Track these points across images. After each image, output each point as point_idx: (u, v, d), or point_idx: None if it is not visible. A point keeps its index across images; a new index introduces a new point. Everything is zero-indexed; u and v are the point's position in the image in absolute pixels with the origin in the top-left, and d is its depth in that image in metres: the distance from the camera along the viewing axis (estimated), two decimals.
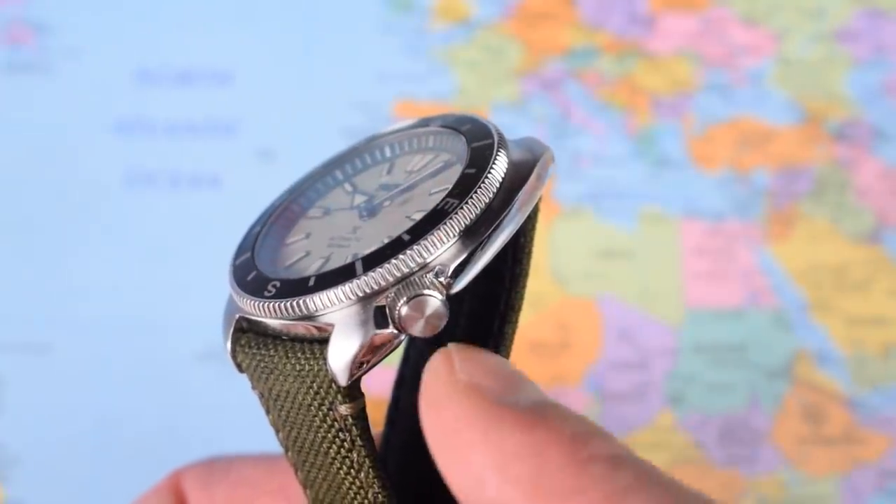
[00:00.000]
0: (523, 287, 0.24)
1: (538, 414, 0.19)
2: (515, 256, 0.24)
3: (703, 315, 0.45)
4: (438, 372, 0.20)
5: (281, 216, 0.26)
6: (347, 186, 0.26)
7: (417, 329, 0.20)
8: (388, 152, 0.26)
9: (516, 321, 0.25)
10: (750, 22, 0.49)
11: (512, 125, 0.47)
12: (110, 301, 0.45)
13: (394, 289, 0.20)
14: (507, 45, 0.48)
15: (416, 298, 0.20)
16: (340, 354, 0.20)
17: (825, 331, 0.44)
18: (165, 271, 0.46)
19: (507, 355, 0.25)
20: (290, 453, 0.23)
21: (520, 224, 0.21)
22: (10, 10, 0.49)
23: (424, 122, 0.26)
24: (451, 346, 0.21)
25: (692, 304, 0.45)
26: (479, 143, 0.23)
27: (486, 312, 0.24)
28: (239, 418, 0.38)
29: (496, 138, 0.23)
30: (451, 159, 0.24)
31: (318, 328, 0.21)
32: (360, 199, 0.25)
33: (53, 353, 0.45)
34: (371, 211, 0.24)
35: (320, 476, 0.23)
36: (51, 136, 0.47)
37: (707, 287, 0.45)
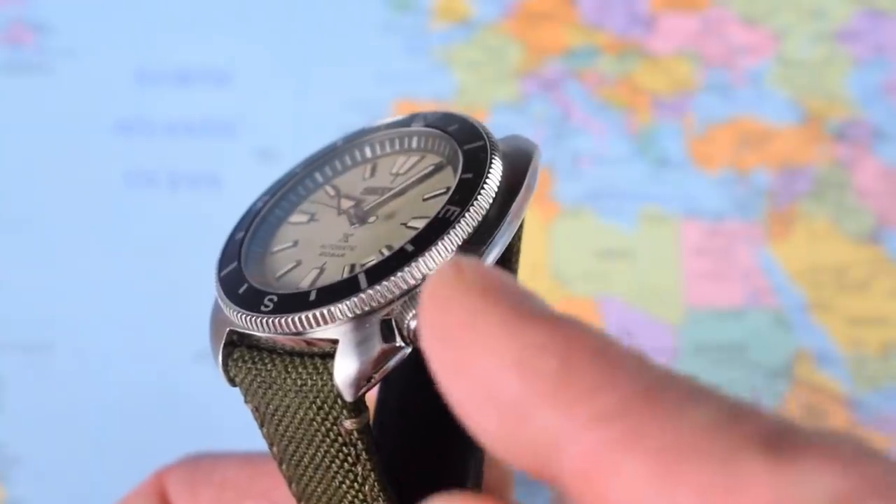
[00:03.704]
0: None
1: (561, 316, 0.17)
2: (504, 256, 0.23)
3: (703, 315, 0.45)
4: (447, 275, 0.17)
5: (263, 221, 0.25)
6: (329, 190, 0.25)
7: None
8: (368, 153, 0.25)
9: None
10: (750, 22, 0.49)
11: (512, 125, 0.47)
12: (110, 301, 0.45)
13: (399, 301, 0.20)
14: (507, 45, 0.48)
15: None
16: (347, 370, 0.20)
17: (825, 331, 0.44)
18: (165, 271, 0.46)
19: None
20: (284, 466, 0.22)
21: (513, 233, 0.21)
22: (10, 10, 0.49)
23: (406, 122, 0.25)
24: (460, 256, 0.19)
25: (692, 304, 0.45)
26: (471, 145, 0.22)
27: None
28: (239, 419, 0.38)
29: (487, 140, 0.22)
30: (440, 162, 0.24)
31: (320, 342, 0.20)
32: (346, 204, 0.24)
33: (53, 353, 0.45)
34: (361, 217, 0.23)
35: (319, 489, 0.22)
36: (51, 136, 0.47)
37: (707, 287, 0.45)
